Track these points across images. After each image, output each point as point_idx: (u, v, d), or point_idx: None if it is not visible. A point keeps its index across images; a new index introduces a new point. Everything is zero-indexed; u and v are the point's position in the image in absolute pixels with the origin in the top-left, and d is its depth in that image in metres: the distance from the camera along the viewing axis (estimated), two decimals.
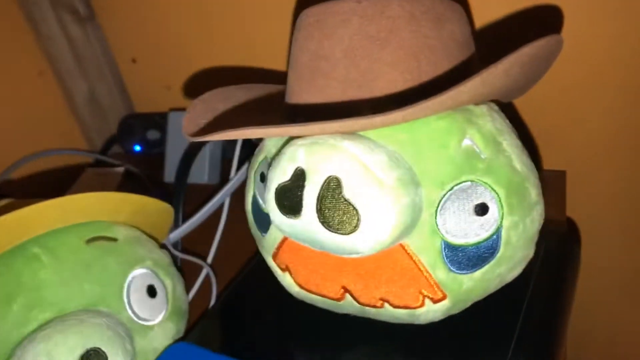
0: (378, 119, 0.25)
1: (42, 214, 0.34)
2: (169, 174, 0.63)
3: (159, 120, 0.68)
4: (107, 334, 0.32)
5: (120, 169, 0.62)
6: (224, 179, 0.62)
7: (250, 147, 0.53)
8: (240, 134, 0.27)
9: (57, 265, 0.34)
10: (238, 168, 0.52)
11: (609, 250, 0.58)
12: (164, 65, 0.70)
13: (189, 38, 0.65)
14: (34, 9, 0.68)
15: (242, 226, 0.40)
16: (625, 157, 0.53)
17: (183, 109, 0.65)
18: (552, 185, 0.54)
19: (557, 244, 0.40)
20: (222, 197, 0.50)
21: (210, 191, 0.55)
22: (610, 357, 0.67)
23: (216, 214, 0.51)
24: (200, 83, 0.68)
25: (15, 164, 0.65)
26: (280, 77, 0.61)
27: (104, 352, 0.31)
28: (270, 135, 0.33)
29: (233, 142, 0.53)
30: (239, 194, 0.49)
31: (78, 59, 0.71)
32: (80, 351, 0.30)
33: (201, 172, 0.60)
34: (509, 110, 0.54)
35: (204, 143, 0.55)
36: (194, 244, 0.51)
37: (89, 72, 0.72)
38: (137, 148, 0.69)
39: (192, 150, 0.52)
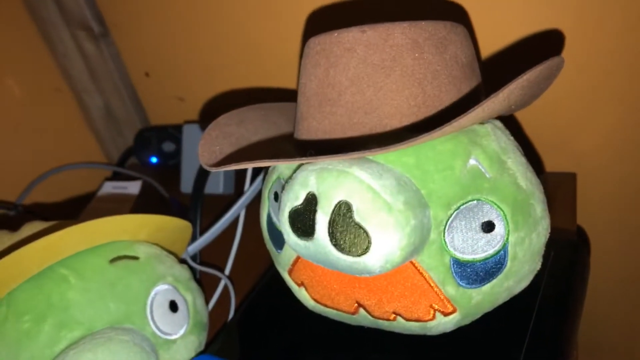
0: (383, 151, 0.26)
1: (69, 238, 0.35)
2: (185, 185, 0.65)
3: (173, 132, 0.70)
4: (134, 350, 0.34)
5: (138, 182, 0.64)
6: (238, 188, 0.63)
7: None
8: (254, 165, 0.28)
9: (83, 286, 0.35)
10: (252, 180, 0.54)
11: (618, 253, 0.59)
12: (177, 78, 0.71)
13: (200, 51, 0.67)
14: (49, 28, 0.70)
15: (258, 237, 0.41)
16: (635, 159, 0.53)
17: (197, 121, 0.67)
18: (562, 187, 0.54)
19: (566, 252, 0.40)
20: (238, 209, 0.52)
21: (225, 201, 0.56)
22: None
23: (232, 225, 0.52)
24: (212, 94, 0.70)
25: (37, 179, 0.67)
26: (289, 92, 0.62)
27: None
28: (283, 164, 0.34)
29: None
30: (253, 205, 0.51)
31: (93, 74, 0.73)
32: None
33: (216, 184, 0.62)
34: (516, 114, 0.54)
35: None
36: (212, 255, 0.52)
37: (104, 87, 0.74)
38: (153, 160, 0.71)
39: None
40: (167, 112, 0.75)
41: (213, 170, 0.31)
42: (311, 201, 0.29)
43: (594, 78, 0.50)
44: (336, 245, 0.28)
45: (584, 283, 0.40)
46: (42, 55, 0.71)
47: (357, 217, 0.27)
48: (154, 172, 0.70)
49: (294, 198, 0.29)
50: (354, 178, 0.28)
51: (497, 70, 0.37)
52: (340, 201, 0.28)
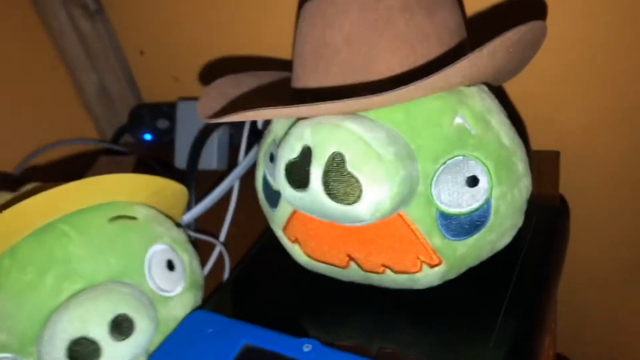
0: (377, 98, 0.28)
1: (68, 195, 0.36)
2: (179, 161, 0.66)
3: (167, 110, 0.71)
4: (134, 302, 0.35)
5: (132, 157, 0.65)
6: (232, 165, 0.64)
7: (256, 134, 0.56)
8: (252, 115, 0.30)
9: (84, 241, 0.36)
10: (245, 153, 0.55)
11: (599, 226, 0.61)
12: (171, 56, 0.72)
13: (195, 29, 0.68)
14: (45, 5, 0.71)
15: (251, 207, 0.43)
16: (619, 138, 0.55)
17: (190, 99, 0.68)
18: (546, 165, 0.56)
19: (548, 216, 0.42)
20: (232, 180, 0.53)
21: (219, 177, 0.58)
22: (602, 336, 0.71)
23: (226, 197, 0.54)
24: (206, 73, 0.71)
25: (32, 154, 0.68)
26: (285, 66, 0.63)
27: (131, 317, 0.34)
28: (280, 116, 0.35)
29: (240, 130, 0.56)
30: (246, 178, 0.52)
31: (88, 52, 0.74)
32: (110, 316, 0.33)
33: (210, 159, 0.63)
34: (502, 93, 0.56)
35: (212, 130, 0.58)
36: (207, 225, 0.54)
37: (99, 65, 0.75)
38: (148, 137, 0.72)
39: (202, 137, 0.55)
40: (160, 90, 0.76)
41: (212, 121, 0.32)
42: (306, 153, 0.30)
43: (580, 57, 0.52)
44: (330, 194, 0.30)
45: (564, 245, 0.41)
46: (37, 32, 0.72)
47: (349, 167, 0.29)
48: (148, 148, 0.71)
49: (290, 151, 0.31)
50: (346, 130, 0.29)
51: (484, 37, 0.38)
52: (334, 152, 0.29)
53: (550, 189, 0.53)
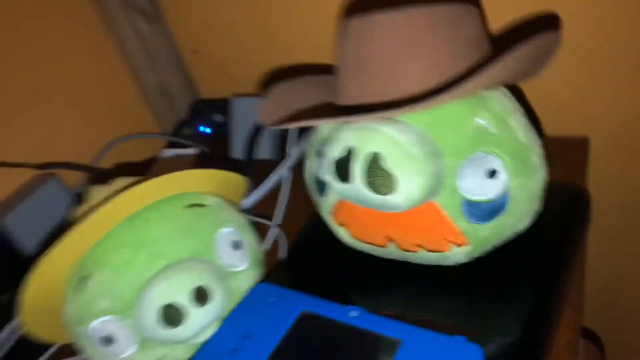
0: (405, 108, 0.34)
1: (152, 189, 0.44)
2: (235, 152, 0.73)
3: (222, 105, 0.78)
4: (210, 275, 0.42)
5: (194, 150, 0.73)
6: (282, 153, 0.71)
7: (304, 127, 0.62)
8: (306, 124, 0.36)
9: (167, 225, 0.44)
10: (295, 145, 0.62)
11: (621, 214, 0.63)
12: (224, 54, 0.79)
13: (245, 29, 0.74)
14: (107, 11, 0.78)
15: (301, 193, 0.49)
16: None
17: (243, 94, 0.75)
18: (574, 151, 0.59)
19: (568, 199, 0.47)
20: (285, 169, 0.60)
21: (271, 165, 0.64)
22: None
23: (278, 184, 0.61)
24: (256, 70, 0.77)
25: (106, 146, 0.76)
26: (323, 67, 0.69)
27: (209, 288, 0.41)
28: (328, 123, 0.42)
29: None
30: (296, 167, 0.59)
31: (147, 53, 0.81)
32: (191, 287, 0.41)
33: (263, 149, 0.70)
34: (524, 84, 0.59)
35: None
36: (263, 209, 0.61)
37: (157, 65, 0.82)
38: (205, 130, 0.79)
39: (256, 132, 0.62)
40: (215, 86, 0.83)
41: (275, 128, 0.39)
42: (350, 153, 0.36)
43: (604, 41, 0.54)
44: (369, 187, 0.36)
45: (584, 225, 0.46)
46: (101, 36, 0.79)
47: (385, 164, 0.35)
48: (205, 140, 0.79)
49: (337, 151, 0.37)
50: (383, 134, 0.35)
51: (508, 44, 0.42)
52: (373, 152, 0.35)
53: (576, 175, 0.56)
